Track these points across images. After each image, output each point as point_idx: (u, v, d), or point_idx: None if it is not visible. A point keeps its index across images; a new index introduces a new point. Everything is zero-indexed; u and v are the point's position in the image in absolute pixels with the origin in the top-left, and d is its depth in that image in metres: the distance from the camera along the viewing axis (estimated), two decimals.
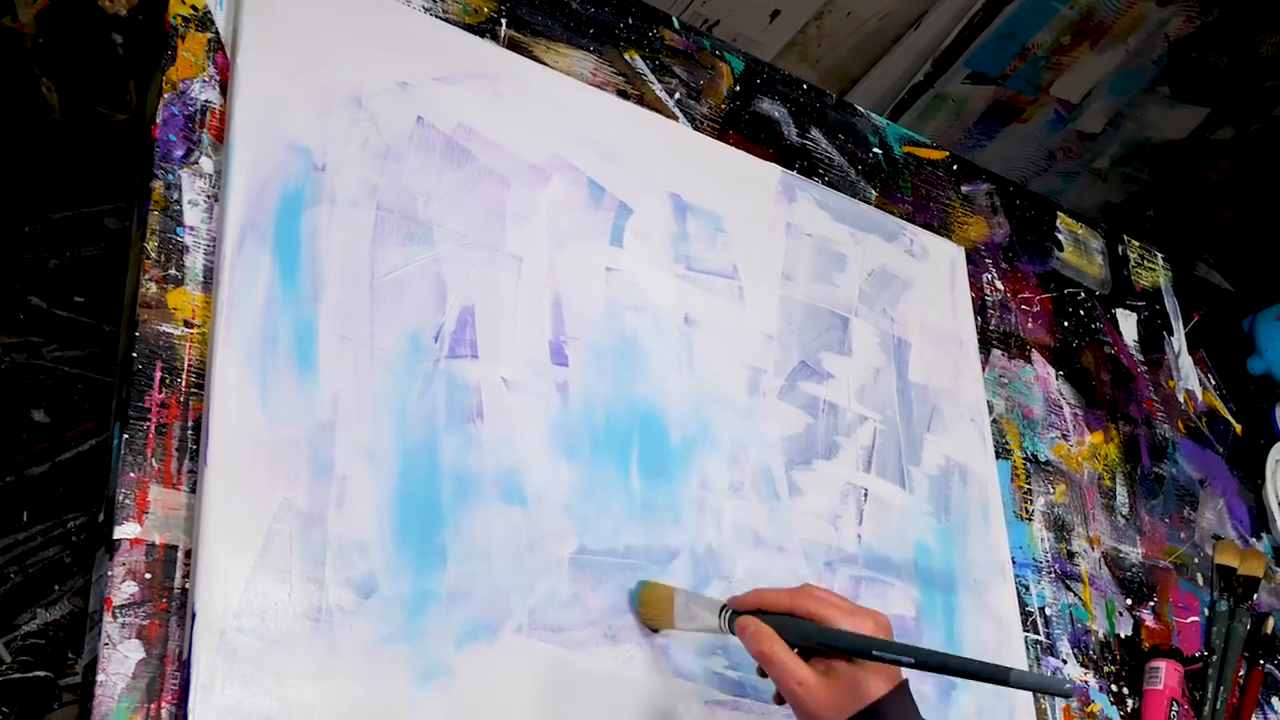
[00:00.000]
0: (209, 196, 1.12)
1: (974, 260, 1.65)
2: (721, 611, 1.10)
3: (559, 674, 1.11)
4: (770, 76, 1.59)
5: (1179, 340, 1.86)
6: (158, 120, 1.13)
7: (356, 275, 1.14)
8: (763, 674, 1.09)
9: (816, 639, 1.03)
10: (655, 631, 1.17)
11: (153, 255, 1.08)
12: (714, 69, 1.54)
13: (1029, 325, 1.68)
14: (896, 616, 1.32)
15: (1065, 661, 1.46)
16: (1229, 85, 2.56)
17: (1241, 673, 1.60)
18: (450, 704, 1.04)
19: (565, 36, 1.42)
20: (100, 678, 0.94)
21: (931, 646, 1.32)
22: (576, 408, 1.22)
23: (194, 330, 1.07)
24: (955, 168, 1.73)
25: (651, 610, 1.16)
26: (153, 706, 0.94)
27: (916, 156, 1.69)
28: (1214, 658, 1.60)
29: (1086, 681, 1.47)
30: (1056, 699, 1.43)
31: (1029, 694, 1.38)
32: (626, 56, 1.46)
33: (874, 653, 1.00)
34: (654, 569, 1.19)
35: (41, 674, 1.40)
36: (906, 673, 1.03)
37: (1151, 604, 1.59)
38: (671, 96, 1.48)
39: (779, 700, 1.11)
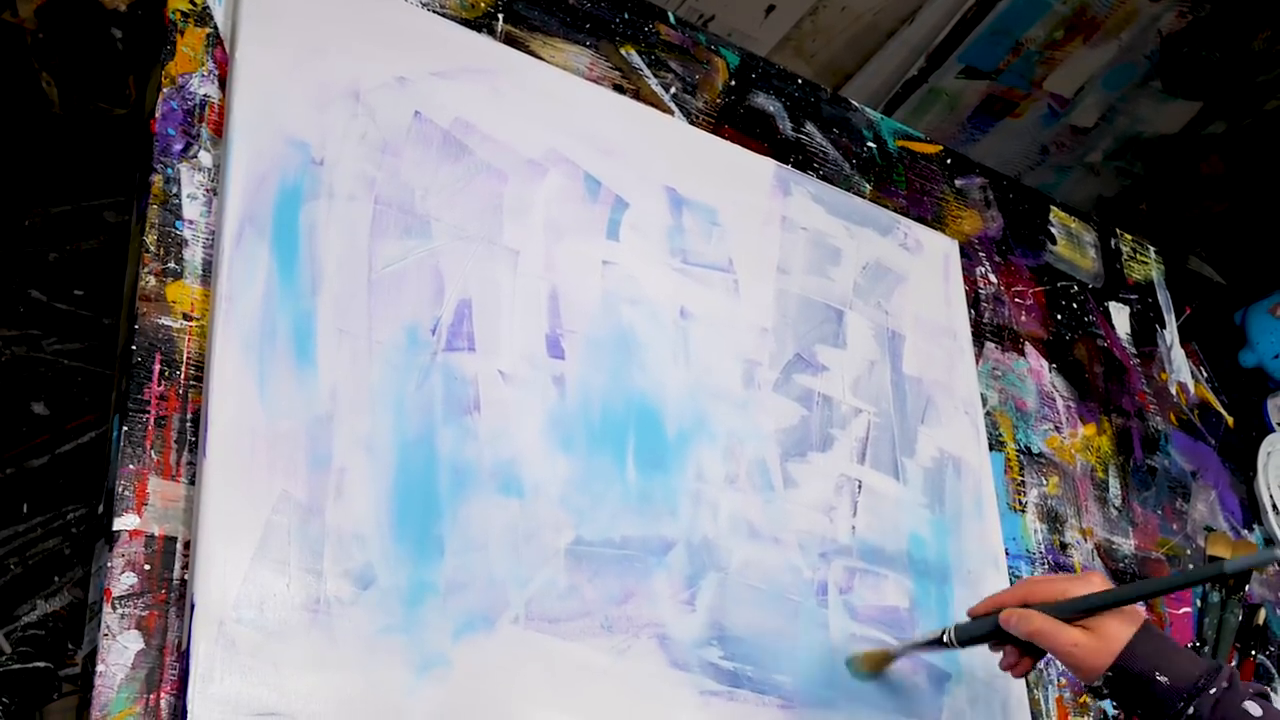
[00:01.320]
0: (208, 190, 1.13)
1: (968, 254, 1.66)
2: (944, 633, 1.23)
3: (555, 665, 1.11)
4: (765, 71, 1.60)
5: (1171, 333, 1.87)
6: (157, 114, 1.13)
7: (354, 269, 1.15)
8: (1012, 663, 1.23)
9: (1064, 610, 1.16)
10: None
11: (152, 249, 1.08)
12: (709, 64, 1.54)
13: (1022, 318, 1.69)
14: (890, 608, 1.33)
15: None
16: (1221, 80, 2.56)
17: (1234, 664, 1.61)
18: (447, 694, 1.05)
19: (562, 31, 1.42)
20: (100, 668, 0.94)
21: (926, 637, 1.33)
22: (573, 400, 1.22)
23: (193, 323, 1.07)
24: (949, 162, 1.73)
25: (870, 667, 1.30)
26: (152, 697, 0.95)
27: (911, 151, 1.70)
28: (1206, 649, 1.61)
29: None
30: (1049, 689, 1.43)
31: (1021, 684, 1.38)
32: (622, 51, 1.46)
33: (1101, 604, 1.16)
34: (651, 560, 1.20)
35: (41, 665, 1.40)
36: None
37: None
38: (667, 91, 1.48)
39: (1010, 667, 1.24)
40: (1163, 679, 1.14)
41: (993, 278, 1.68)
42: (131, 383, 1.04)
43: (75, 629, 1.45)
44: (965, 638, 1.22)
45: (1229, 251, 2.54)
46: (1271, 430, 1.89)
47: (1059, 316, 1.74)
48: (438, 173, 1.23)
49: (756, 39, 2.29)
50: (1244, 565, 1.12)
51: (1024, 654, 1.21)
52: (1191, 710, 1.13)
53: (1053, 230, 1.81)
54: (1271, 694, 1.17)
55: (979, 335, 1.61)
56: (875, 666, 1.29)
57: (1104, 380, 1.73)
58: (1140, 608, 1.19)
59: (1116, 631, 1.16)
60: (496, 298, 1.22)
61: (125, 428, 1.02)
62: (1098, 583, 1.18)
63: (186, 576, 0.99)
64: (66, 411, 1.55)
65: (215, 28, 1.19)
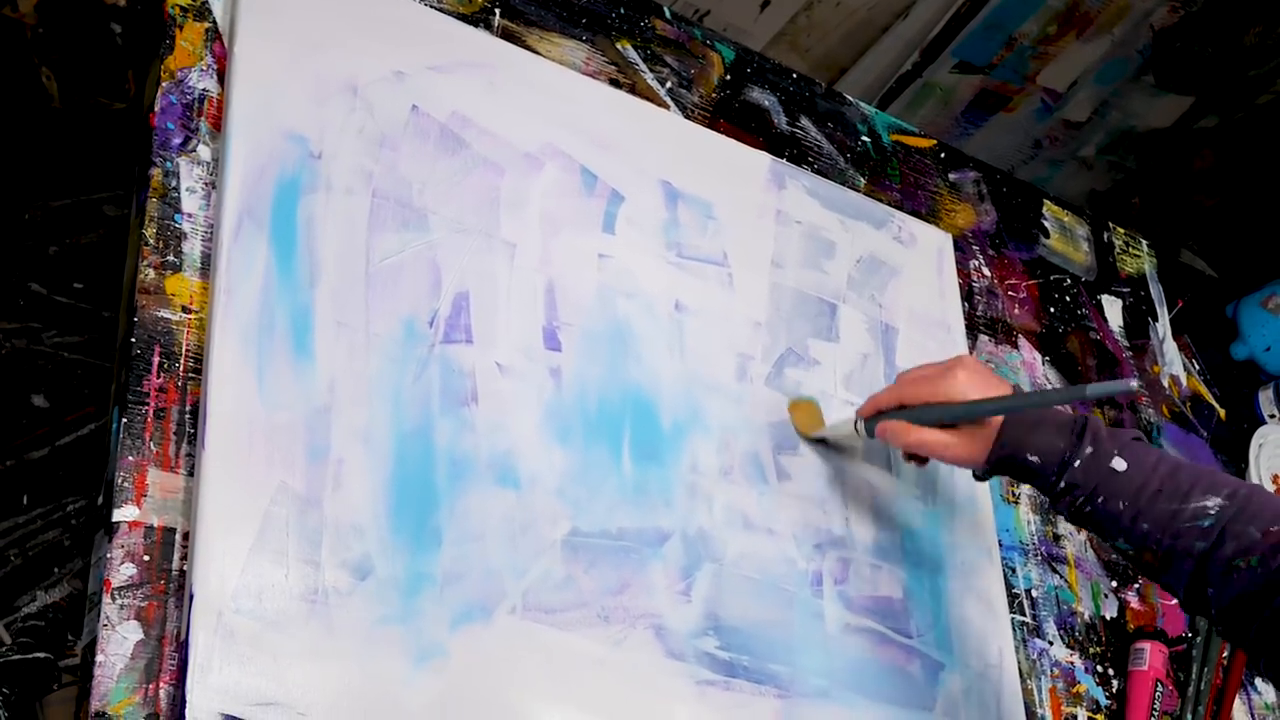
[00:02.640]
0: (207, 184, 1.13)
1: (961, 247, 1.66)
2: (856, 423, 1.31)
3: (552, 655, 1.11)
4: (760, 66, 1.60)
5: (1163, 326, 1.87)
6: (156, 108, 1.14)
7: (352, 262, 1.15)
8: (909, 459, 1.35)
9: (933, 417, 1.24)
10: (803, 437, 1.37)
11: (151, 242, 1.09)
12: (705, 58, 1.55)
13: (1015, 311, 1.69)
14: (884, 598, 1.34)
15: (1051, 643, 1.47)
16: (1213, 74, 2.56)
17: (1225, 654, 1.61)
18: (445, 684, 1.05)
19: (558, 26, 1.43)
20: (99, 658, 0.95)
21: (919, 628, 1.34)
22: (569, 392, 1.23)
23: (192, 316, 1.08)
24: (943, 156, 1.74)
25: (801, 416, 1.38)
26: (151, 687, 0.95)
27: (905, 145, 1.70)
28: (1198, 639, 1.61)
29: (1072, 663, 1.48)
30: (1043, 679, 1.44)
31: (1015, 676, 1.39)
32: (619, 46, 1.47)
33: (965, 414, 1.22)
34: (647, 551, 1.20)
35: (41, 655, 1.40)
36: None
37: (1136, 586, 1.60)
38: (663, 85, 1.49)
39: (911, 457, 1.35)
40: (1034, 459, 1.19)
41: (986, 271, 1.69)
42: (131, 375, 1.04)
43: (75, 620, 1.45)
44: (870, 433, 1.30)
45: (1221, 245, 2.55)
46: (1263, 422, 1.89)
47: (1052, 309, 1.74)
48: (435, 166, 1.24)
49: (752, 34, 2.29)
50: (1104, 391, 1.14)
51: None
52: (1063, 484, 1.18)
53: (1046, 224, 1.82)
54: (1144, 438, 1.21)
55: (972, 328, 1.61)
56: (805, 420, 1.39)
57: (1097, 373, 1.74)
58: (1009, 387, 1.24)
59: (989, 426, 1.22)
60: (493, 290, 1.22)
61: (124, 419, 1.03)
62: (962, 378, 1.23)
63: (185, 567, 0.99)
64: (66, 404, 1.56)
65: (214, 22, 1.19)
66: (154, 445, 1.03)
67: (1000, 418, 1.21)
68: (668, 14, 1.54)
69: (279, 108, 1.16)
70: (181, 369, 1.06)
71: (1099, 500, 1.17)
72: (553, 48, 1.41)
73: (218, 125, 1.15)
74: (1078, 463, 1.17)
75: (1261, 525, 1.12)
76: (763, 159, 1.50)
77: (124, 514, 0.99)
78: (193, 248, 1.10)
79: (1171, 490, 1.16)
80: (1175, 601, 1.62)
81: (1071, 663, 1.49)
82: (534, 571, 1.13)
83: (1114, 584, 1.58)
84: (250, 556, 1.00)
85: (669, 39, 1.52)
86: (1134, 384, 1.14)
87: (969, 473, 1.43)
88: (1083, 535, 1.59)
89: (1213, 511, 1.14)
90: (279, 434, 1.05)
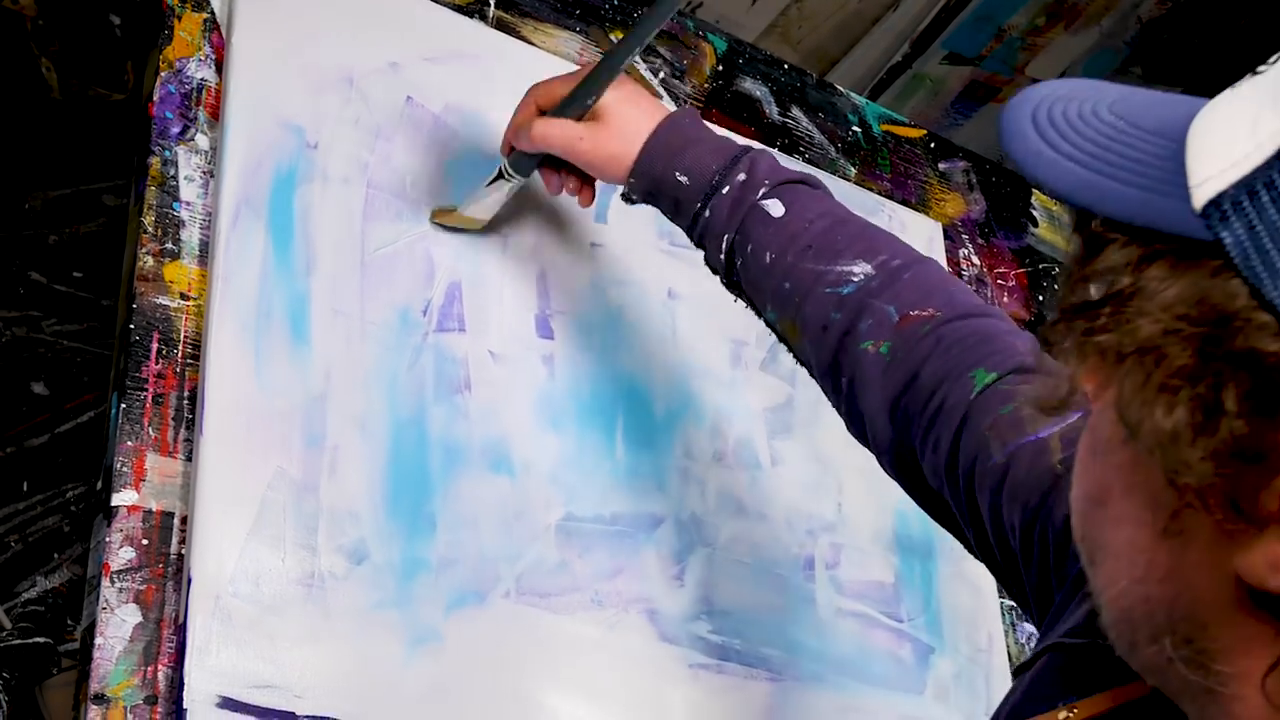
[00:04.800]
0: (205, 173, 1.14)
1: (951, 236, 1.67)
2: (500, 172, 1.15)
3: (546, 639, 1.13)
4: (752, 57, 1.61)
5: None
6: (155, 98, 1.14)
7: (348, 251, 1.16)
8: (572, 187, 1.14)
9: (572, 98, 1.07)
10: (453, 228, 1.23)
11: (150, 230, 1.09)
12: (697, 49, 1.56)
13: (1005, 299, 1.70)
14: (876, 583, 1.34)
15: None
16: (1200, 66, 2.57)
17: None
18: (440, 668, 1.06)
19: (552, 17, 1.43)
20: (98, 641, 0.95)
21: (910, 613, 1.34)
22: (562, 380, 1.24)
23: (190, 303, 1.09)
24: (933, 146, 1.74)
25: (443, 216, 1.22)
26: (149, 669, 0.96)
27: (895, 135, 1.71)
28: None
29: None
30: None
31: (1004, 660, 1.39)
32: (612, 37, 1.47)
33: (609, 58, 1.06)
34: (640, 536, 1.21)
35: (41, 640, 1.40)
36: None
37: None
38: (656, 76, 1.49)
39: (573, 192, 1.16)
40: (682, 179, 1.03)
41: (975, 259, 1.70)
42: (130, 361, 1.05)
43: (74, 605, 1.46)
44: (520, 166, 1.14)
45: None
46: None
47: (1041, 298, 1.75)
48: (430, 157, 1.25)
49: (744, 25, 2.30)
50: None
51: (556, 170, 1.13)
52: (708, 213, 1.02)
53: (1034, 213, 1.82)
54: (820, 185, 1.05)
55: None
56: (448, 216, 1.22)
57: None
58: (664, 111, 1.08)
59: (635, 123, 1.05)
60: (486, 280, 1.23)
61: (124, 405, 1.03)
62: (582, 74, 1.08)
63: (184, 551, 1.00)
64: (66, 391, 1.56)
65: (212, 13, 1.20)
66: (153, 431, 1.03)
67: (648, 129, 1.05)
68: None
69: (276, 98, 1.17)
70: (180, 355, 1.07)
71: (748, 250, 1.01)
72: (547, 38, 1.42)
73: (216, 115, 1.16)
74: (726, 189, 1.01)
75: (904, 305, 0.96)
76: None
77: (123, 499, 1.00)
78: (191, 236, 1.11)
79: (823, 247, 0.99)
80: None
81: None
82: (528, 556, 1.14)
83: None
84: (248, 541, 1.01)
85: (662, 30, 1.53)
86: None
87: None
88: None
89: (857, 279, 0.97)
90: (276, 420, 1.06)
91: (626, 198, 1.09)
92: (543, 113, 1.09)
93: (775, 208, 1.00)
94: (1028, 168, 0.59)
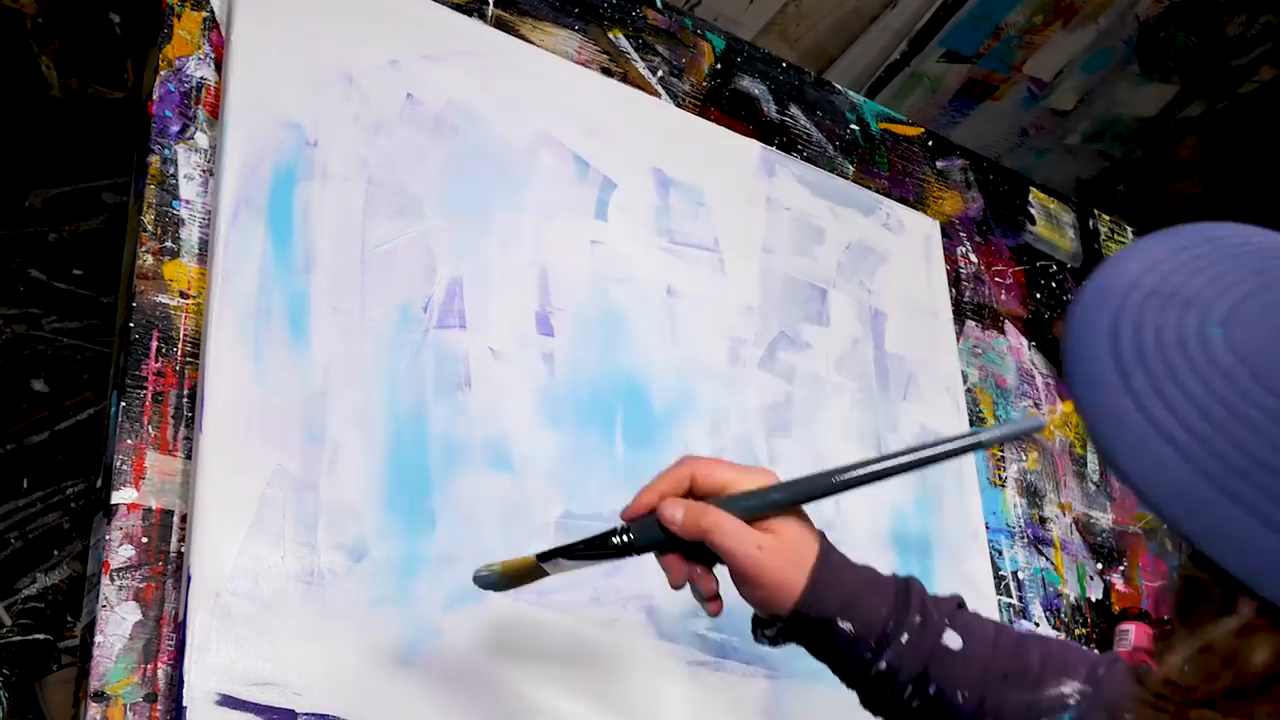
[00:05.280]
0: (204, 171, 1.14)
1: (949, 234, 1.67)
2: (617, 534, 0.93)
3: (545, 636, 1.13)
4: (750, 55, 1.61)
5: None
6: (154, 97, 1.14)
7: (348, 248, 1.16)
8: (686, 561, 0.93)
9: (759, 501, 0.91)
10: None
11: (150, 228, 1.10)
12: (696, 48, 1.56)
13: (1002, 297, 1.70)
14: None
15: (1037, 624, 1.48)
16: (1197, 63, 2.58)
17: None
18: (439, 665, 1.06)
19: (551, 16, 1.43)
20: (98, 638, 0.96)
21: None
22: (562, 377, 1.24)
23: (190, 301, 1.09)
24: (930, 144, 1.74)
25: (514, 578, 0.99)
26: (149, 667, 0.96)
27: (893, 133, 1.71)
28: None
29: None
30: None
31: None
32: (611, 35, 1.48)
33: (836, 480, 0.92)
34: None
35: (41, 637, 1.40)
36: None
37: (1121, 568, 1.62)
38: (654, 74, 1.50)
39: (677, 582, 0.94)
40: (845, 626, 0.89)
41: (973, 257, 1.70)
42: (129, 359, 1.05)
43: (74, 602, 1.46)
44: (647, 541, 0.93)
45: None
46: None
47: (1038, 295, 1.76)
48: (429, 154, 1.25)
49: (742, 24, 2.30)
50: (1002, 435, 0.92)
51: (689, 560, 0.92)
52: (884, 666, 0.89)
53: (1032, 211, 1.83)
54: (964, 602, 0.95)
55: (960, 313, 1.62)
56: (518, 578, 0.99)
57: None
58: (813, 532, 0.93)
59: (803, 546, 0.91)
60: (486, 277, 1.23)
61: (123, 403, 1.03)
62: (768, 480, 0.93)
63: (183, 549, 1.00)
64: (66, 389, 1.56)
65: (211, 12, 1.20)
66: (152, 429, 1.03)
67: (811, 558, 0.90)
68: (659, 4, 1.54)
69: (275, 96, 1.17)
70: (179, 353, 1.07)
71: (930, 689, 0.90)
72: (545, 37, 1.42)
73: (215, 113, 1.16)
74: (905, 636, 0.89)
75: (1113, 706, 0.89)
76: (753, 147, 1.51)
77: (123, 496, 1.00)
78: (190, 234, 1.11)
79: (1019, 674, 0.91)
80: (1160, 583, 1.63)
81: None
82: (527, 553, 1.14)
83: (1099, 566, 1.59)
84: (247, 538, 1.01)
85: (660, 28, 1.53)
86: (1043, 420, 0.91)
87: (958, 460, 1.43)
88: (1069, 517, 1.60)
89: (1072, 701, 0.90)
90: (275, 418, 1.06)
91: (767, 637, 0.94)
92: (700, 497, 0.92)
93: (953, 641, 0.90)
94: (1103, 440, 0.47)
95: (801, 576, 0.89)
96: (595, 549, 0.94)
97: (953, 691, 0.89)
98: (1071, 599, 1.54)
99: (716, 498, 0.91)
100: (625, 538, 0.92)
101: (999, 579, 1.47)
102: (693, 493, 0.92)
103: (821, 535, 0.93)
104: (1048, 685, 0.90)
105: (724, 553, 0.89)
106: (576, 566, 0.96)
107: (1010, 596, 1.47)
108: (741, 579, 0.90)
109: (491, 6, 1.38)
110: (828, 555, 0.91)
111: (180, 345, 1.07)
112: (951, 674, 0.89)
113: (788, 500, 0.91)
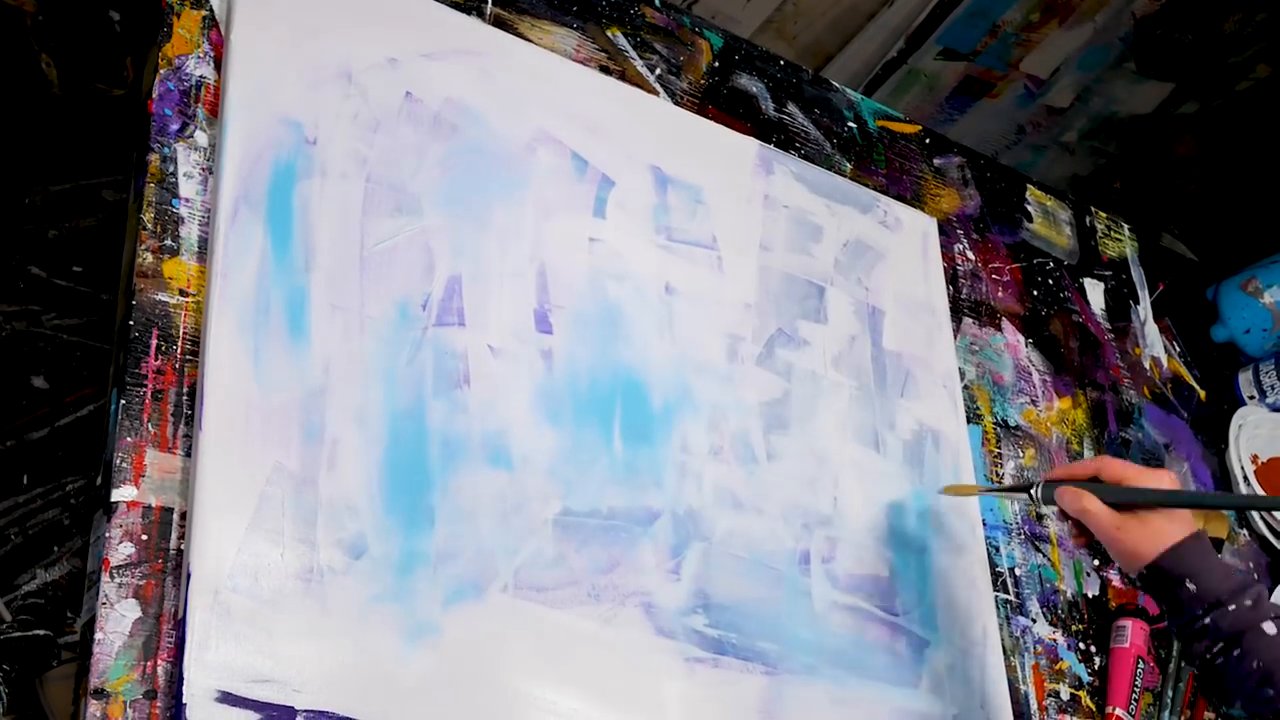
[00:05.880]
0: (204, 169, 1.14)
1: (946, 231, 1.67)
2: (1033, 489, 1.30)
3: (544, 632, 1.13)
4: (748, 53, 1.61)
5: (1145, 309, 1.88)
6: (154, 95, 1.14)
7: (347, 246, 1.16)
8: (1075, 533, 1.28)
9: (1123, 496, 1.22)
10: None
11: (149, 226, 1.10)
12: (694, 45, 1.56)
13: (999, 294, 1.70)
14: (871, 576, 1.35)
15: (1034, 621, 1.48)
16: (1193, 61, 2.57)
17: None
18: (438, 661, 1.06)
19: (549, 14, 1.44)
20: (98, 636, 0.96)
21: (905, 606, 1.35)
22: (561, 374, 1.24)
23: (189, 299, 1.09)
24: (928, 141, 1.75)
25: (958, 490, 1.45)
26: (149, 664, 0.97)
27: (890, 130, 1.71)
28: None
29: (1055, 640, 1.49)
30: (1026, 656, 1.46)
31: (999, 652, 1.40)
32: (609, 33, 1.48)
33: (1157, 501, 1.21)
34: (637, 530, 1.22)
35: (41, 633, 1.40)
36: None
37: (1117, 565, 1.62)
38: (652, 72, 1.50)
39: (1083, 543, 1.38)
40: (1191, 586, 1.17)
41: (970, 255, 1.70)
42: (129, 357, 1.05)
43: (74, 598, 1.45)
44: (1047, 499, 1.28)
45: (1201, 229, 2.56)
46: (1242, 403, 1.90)
47: (1035, 292, 1.76)
48: (428, 152, 1.25)
49: (740, 21, 2.30)
50: None
51: (1080, 529, 1.27)
52: (1208, 621, 1.16)
53: (1029, 208, 1.83)
54: None
55: (957, 311, 1.62)
56: (960, 493, 1.44)
57: (1079, 355, 1.75)
58: (1193, 521, 1.23)
59: (1165, 531, 1.19)
60: (485, 274, 1.23)
61: (123, 401, 1.04)
62: (1167, 481, 1.22)
63: (183, 546, 1.01)
64: (66, 385, 1.56)
65: (211, 10, 1.20)
66: (152, 426, 1.04)
67: (1176, 538, 1.19)
68: (657, 2, 1.55)
69: (275, 94, 1.17)
70: (179, 351, 1.07)
71: (1235, 653, 1.15)
72: (544, 35, 1.42)
73: (214, 111, 1.16)
74: (1232, 607, 1.15)
75: None
76: (750, 144, 1.52)
77: (122, 494, 1.01)
78: (190, 232, 1.11)
79: None
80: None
81: (1054, 640, 1.50)
82: (525, 550, 1.15)
83: (1096, 562, 1.60)
84: (247, 536, 1.02)
85: (658, 26, 1.53)
86: None
87: (954, 453, 1.45)
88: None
89: None
90: (275, 415, 1.07)
91: (1129, 580, 1.33)
92: (1095, 481, 1.25)
93: (1270, 628, 1.14)
94: None
95: (1154, 550, 1.18)
96: (1018, 489, 1.33)
97: (1251, 660, 1.13)
98: (1068, 595, 1.54)
99: (1099, 485, 1.24)
100: (1035, 498, 1.29)
101: (996, 575, 1.47)
102: (1098, 478, 1.25)
103: (1199, 532, 1.20)
104: None
105: (1091, 529, 1.23)
106: (998, 496, 1.49)
107: (1007, 593, 1.47)
108: (1103, 544, 1.23)
109: (490, 5, 1.38)
110: (1198, 539, 1.19)
111: (180, 343, 1.07)
112: (1257, 648, 1.13)
113: (1145, 501, 1.21)
